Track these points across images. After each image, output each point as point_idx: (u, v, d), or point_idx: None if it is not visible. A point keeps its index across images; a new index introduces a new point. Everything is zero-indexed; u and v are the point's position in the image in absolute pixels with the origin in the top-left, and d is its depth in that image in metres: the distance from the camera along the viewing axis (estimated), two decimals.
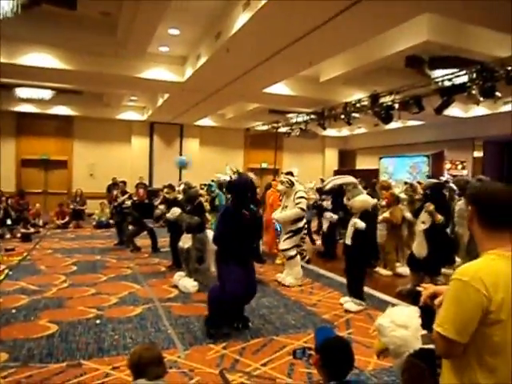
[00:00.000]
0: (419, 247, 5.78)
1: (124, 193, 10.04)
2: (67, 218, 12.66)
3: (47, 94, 12.62)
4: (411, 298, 1.70)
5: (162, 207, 7.78)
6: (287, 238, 6.62)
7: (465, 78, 7.38)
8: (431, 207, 5.59)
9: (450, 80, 7.66)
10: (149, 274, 7.01)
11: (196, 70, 8.60)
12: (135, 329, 4.51)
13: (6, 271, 6.80)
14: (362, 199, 5.39)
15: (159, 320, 4.80)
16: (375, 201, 5.56)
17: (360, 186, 5.65)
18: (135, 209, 9.16)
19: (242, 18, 6.06)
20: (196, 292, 5.88)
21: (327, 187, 5.92)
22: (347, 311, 5.25)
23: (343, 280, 6.71)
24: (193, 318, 4.88)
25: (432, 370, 2.43)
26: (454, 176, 12.97)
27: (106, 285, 6.28)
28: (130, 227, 9.29)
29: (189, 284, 5.94)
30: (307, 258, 8.11)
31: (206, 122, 16.16)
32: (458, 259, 6.31)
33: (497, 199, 1.52)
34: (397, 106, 9.00)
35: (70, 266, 7.48)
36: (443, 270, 5.91)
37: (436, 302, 1.60)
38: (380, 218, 7.23)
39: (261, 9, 5.50)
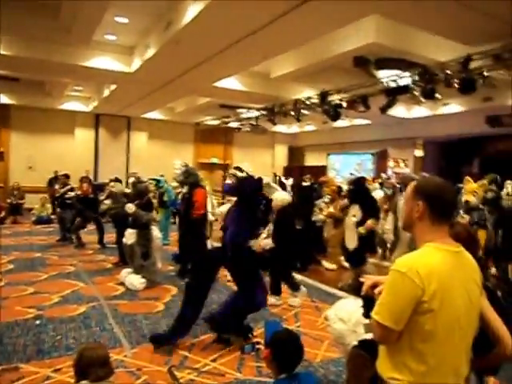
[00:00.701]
0: (350, 240, 5.97)
1: (65, 186, 9.58)
2: (3, 213, 11.88)
3: None
4: (354, 291, 1.75)
5: (107, 202, 7.49)
6: None
7: (408, 80, 7.71)
8: (370, 224, 5.76)
9: (394, 81, 7.98)
10: (94, 271, 6.74)
11: (145, 61, 8.35)
12: (78, 328, 4.31)
13: None
14: (282, 197, 5.23)
15: (104, 319, 4.63)
16: (289, 198, 5.45)
17: (274, 184, 5.58)
18: (79, 203, 8.77)
19: (193, 9, 5.94)
20: (143, 289, 5.73)
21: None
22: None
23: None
24: (140, 315, 4.75)
25: (374, 359, 2.54)
26: (397, 173, 13.59)
27: (46, 283, 5.95)
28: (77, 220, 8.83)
29: (136, 281, 5.78)
30: None
31: (155, 115, 15.79)
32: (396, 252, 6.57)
33: (444, 194, 1.60)
34: (345, 104, 9.25)
35: (5, 264, 7.02)
36: (370, 260, 6.37)
37: (376, 291, 1.66)
38: (324, 213, 7.44)
39: (213, 0, 5.42)
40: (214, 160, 17.73)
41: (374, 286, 1.69)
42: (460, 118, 11.82)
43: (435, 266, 1.49)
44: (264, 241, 6.10)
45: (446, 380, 1.52)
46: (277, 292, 5.37)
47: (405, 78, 7.80)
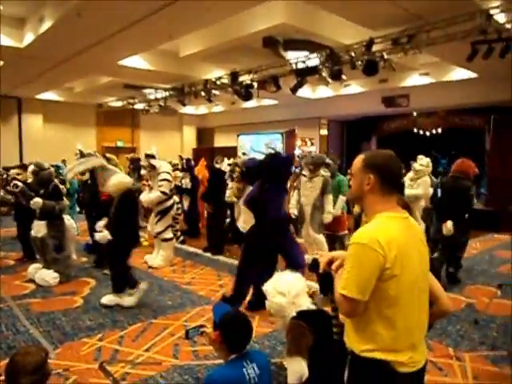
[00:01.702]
0: (245, 222, 5.54)
1: None
2: None
3: None
4: (311, 268, 1.78)
5: (9, 197, 6.69)
6: (158, 221, 6.41)
7: (316, 61, 7.99)
8: None
9: (303, 62, 8.20)
10: None
11: (39, 35, 7.52)
12: None
13: None
14: (117, 181, 4.56)
15: (16, 321, 4.21)
16: (130, 180, 4.82)
17: (111, 166, 4.96)
18: None
19: None
20: (58, 284, 5.31)
21: (69, 176, 5.17)
22: (221, 283, 5.38)
23: (213, 256, 6.88)
24: (58, 312, 4.41)
25: (312, 328, 2.67)
26: (304, 153, 14.18)
27: None
28: None
29: (48, 276, 5.32)
30: (181, 238, 8.05)
31: (51, 95, 14.41)
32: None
33: (393, 166, 1.69)
34: (255, 84, 9.32)
35: None
36: None
37: (333, 266, 1.71)
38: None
39: None
40: (120, 144, 16.84)
41: (331, 262, 1.74)
42: (359, 98, 12.61)
43: (392, 234, 1.58)
44: None
45: (414, 339, 1.62)
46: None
47: (313, 59, 8.06)
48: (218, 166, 11.59)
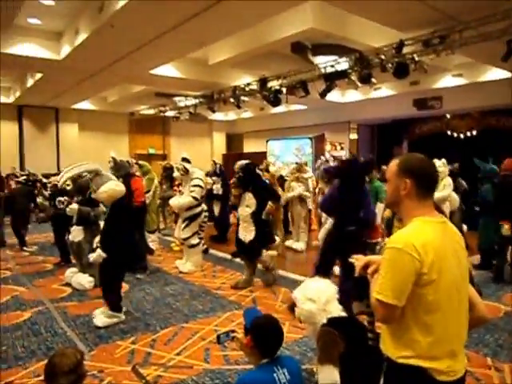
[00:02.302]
0: (245, 231, 5.49)
1: None
2: None
3: None
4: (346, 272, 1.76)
5: (62, 199, 6.84)
6: (186, 226, 6.47)
7: (345, 65, 7.93)
8: (269, 207, 5.58)
9: (332, 66, 8.16)
10: (34, 273, 6.30)
11: (75, 47, 7.83)
12: (27, 336, 4.03)
13: None
14: (107, 188, 4.24)
15: (54, 323, 4.36)
16: (122, 188, 4.39)
17: (105, 172, 4.59)
18: (6, 203, 8.14)
19: None
20: (92, 288, 5.45)
21: (60, 183, 4.85)
22: (251, 289, 5.39)
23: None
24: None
25: (343, 335, 2.63)
26: (335, 156, 14.06)
27: None
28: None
29: (84, 280, 5.48)
30: (205, 246, 8.12)
31: (86, 105, 14.93)
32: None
33: (429, 170, 1.66)
34: (284, 90, 9.33)
35: None
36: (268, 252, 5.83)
37: (369, 271, 1.69)
38: None
39: None
40: (152, 151, 17.21)
41: (366, 266, 1.72)
42: (390, 101, 12.41)
43: (428, 238, 1.54)
44: None
45: (453, 346, 1.58)
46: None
47: (342, 63, 8.01)
48: None
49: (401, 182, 1.64)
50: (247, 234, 5.46)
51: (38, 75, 10.45)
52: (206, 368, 3.38)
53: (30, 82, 11.30)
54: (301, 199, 7.77)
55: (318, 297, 2.77)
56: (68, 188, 6.22)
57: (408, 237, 1.54)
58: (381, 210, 6.21)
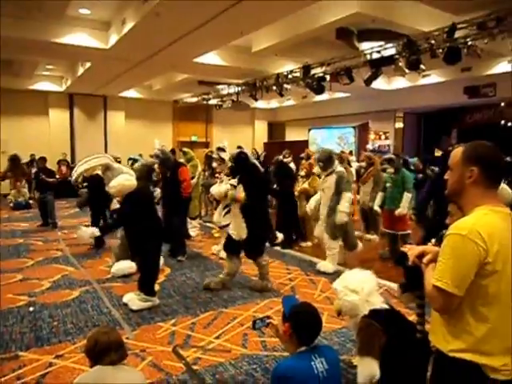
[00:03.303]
0: (238, 229, 4.91)
1: (44, 169, 9.21)
2: None
3: None
4: (396, 261, 1.69)
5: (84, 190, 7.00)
6: (226, 213, 6.50)
7: (392, 51, 7.66)
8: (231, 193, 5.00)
9: (378, 52, 7.91)
10: (82, 254, 6.60)
11: (122, 37, 8.02)
12: (75, 313, 4.23)
13: None
14: (117, 183, 4.17)
15: (100, 302, 4.55)
16: (133, 182, 4.28)
17: (117, 165, 4.51)
18: (57, 187, 8.55)
19: None
20: (136, 271, 5.63)
21: (74, 176, 4.84)
22: (290, 277, 5.39)
23: (283, 250, 6.88)
24: None
25: (384, 327, 2.57)
26: (379, 146, 13.72)
27: (34, 269, 5.81)
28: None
29: (124, 265, 5.49)
30: None
31: (132, 93, 15.34)
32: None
33: (497, 158, 1.59)
34: (328, 77, 9.16)
35: None
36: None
37: (424, 260, 1.63)
38: (298, 188, 7.37)
39: None
40: (194, 138, 17.47)
41: (420, 255, 1.66)
42: (439, 88, 11.90)
43: (495, 227, 1.48)
44: None
45: (509, 343, 1.49)
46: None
47: (389, 49, 7.74)
48: (285, 160, 11.56)
49: (466, 170, 1.57)
50: (240, 231, 4.88)
51: (88, 64, 10.81)
52: (243, 353, 3.43)
53: (80, 71, 11.72)
54: None
55: (361, 288, 2.73)
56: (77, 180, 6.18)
57: (473, 224, 1.48)
58: (407, 200, 6.05)
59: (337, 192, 5.59)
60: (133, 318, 4.11)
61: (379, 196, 6.57)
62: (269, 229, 5.31)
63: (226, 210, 6.49)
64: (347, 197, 5.57)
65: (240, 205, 4.89)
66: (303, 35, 8.46)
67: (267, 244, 5.87)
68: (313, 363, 2.08)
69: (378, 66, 8.02)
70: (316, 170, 6.01)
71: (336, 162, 5.83)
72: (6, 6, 7.44)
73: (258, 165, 5.20)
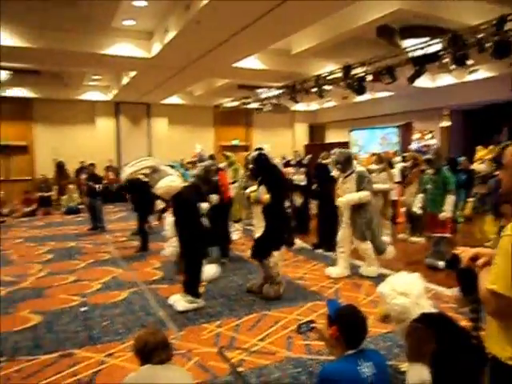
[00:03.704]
0: (256, 228, 4.96)
1: (93, 176, 9.63)
2: (34, 206, 12.14)
3: (2, 76, 11.86)
4: (448, 264, 1.65)
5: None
6: None
7: (437, 47, 7.41)
8: (253, 195, 4.92)
9: (422, 49, 7.67)
10: (129, 257, 6.83)
11: (164, 45, 8.25)
12: (124, 314, 4.39)
13: None
14: (164, 184, 4.32)
15: (147, 303, 4.69)
16: (179, 183, 4.44)
17: (163, 167, 4.59)
18: (105, 192, 8.90)
19: None
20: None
21: (123, 178, 4.90)
22: (333, 280, 5.32)
23: (325, 253, 6.80)
24: None
25: (435, 332, 2.48)
26: (425, 146, 13.30)
27: (85, 271, 6.07)
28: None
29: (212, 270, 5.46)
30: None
31: (174, 100, 15.72)
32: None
33: None
34: (370, 77, 8.99)
35: (44, 254, 7.19)
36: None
37: (479, 263, 1.57)
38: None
39: None
40: (235, 142, 17.65)
41: (474, 258, 1.60)
42: (488, 84, 11.36)
43: None
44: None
45: None
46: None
47: (433, 46, 7.49)
48: (324, 162, 11.40)
49: None
50: (257, 230, 4.90)
51: (132, 73, 11.20)
52: (288, 356, 3.42)
53: (125, 80, 12.16)
54: (384, 192, 7.44)
55: (410, 290, 2.65)
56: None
57: None
58: (451, 203, 5.76)
59: (358, 191, 5.46)
60: (179, 319, 4.20)
61: (418, 198, 6.31)
62: (284, 231, 5.08)
63: None
64: (363, 193, 5.42)
65: (262, 206, 4.83)
66: (343, 35, 8.38)
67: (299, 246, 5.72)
68: (359, 367, 2.05)
69: (422, 63, 7.76)
70: (335, 172, 5.85)
71: (354, 162, 5.72)
72: (56, 19, 7.88)
73: (278, 166, 5.21)
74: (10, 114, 14.62)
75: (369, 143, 15.21)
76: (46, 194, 12.68)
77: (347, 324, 2.09)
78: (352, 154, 5.74)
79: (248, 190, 5.74)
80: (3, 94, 13.78)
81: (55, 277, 5.78)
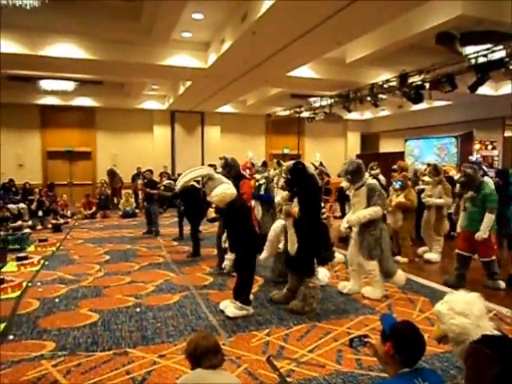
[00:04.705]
0: (290, 242, 4.77)
1: (150, 181, 10.03)
2: (94, 209, 12.80)
3: (70, 86, 12.70)
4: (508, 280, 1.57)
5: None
6: None
7: (502, 54, 7.06)
8: (286, 207, 4.82)
9: (485, 56, 7.34)
10: (181, 261, 7.01)
11: (220, 56, 8.48)
12: (176, 316, 4.50)
13: (42, 261, 6.89)
14: (219, 192, 4.35)
15: (198, 307, 4.78)
16: (233, 191, 4.44)
17: (218, 175, 4.61)
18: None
19: None
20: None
21: (178, 187, 4.84)
22: (386, 294, 5.16)
23: None
24: None
25: (497, 355, 2.33)
26: (484, 157, 12.65)
27: (140, 273, 6.29)
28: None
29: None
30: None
31: (227, 108, 16.06)
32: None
33: None
34: (427, 85, 8.72)
35: (102, 255, 7.54)
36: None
37: None
38: (393, 203, 6.97)
39: None
40: (286, 151, 17.69)
41: None
42: None
43: None
44: None
45: None
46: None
47: (498, 52, 7.14)
48: (372, 172, 11.13)
49: None
50: (292, 244, 4.72)
51: (188, 83, 11.57)
52: (337, 369, 3.35)
53: (181, 90, 12.59)
54: (436, 206, 7.09)
55: (471, 310, 2.51)
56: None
57: None
58: (489, 223, 5.26)
59: (368, 206, 5.03)
60: (228, 325, 4.24)
61: (461, 217, 5.79)
62: (321, 246, 4.72)
63: None
64: (373, 209, 4.95)
65: (293, 219, 4.69)
66: (400, 43, 8.20)
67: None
68: None
69: (485, 70, 7.43)
70: (344, 184, 5.44)
71: (366, 174, 5.29)
72: (120, 32, 8.33)
73: (316, 176, 4.95)
74: (77, 122, 15.65)
75: (425, 153, 14.68)
76: (103, 198, 13.32)
77: (403, 341, 2.01)
78: (361, 164, 5.21)
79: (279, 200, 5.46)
80: (70, 104, 14.75)
81: (112, 277, 6.04)
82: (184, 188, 5.62)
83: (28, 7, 5.70)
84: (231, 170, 5.90)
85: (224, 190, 4.38)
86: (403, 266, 6.66)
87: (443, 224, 7.20)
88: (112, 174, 14.46)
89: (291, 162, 4.85)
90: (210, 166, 7.13)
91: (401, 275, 5.18)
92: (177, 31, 8.40)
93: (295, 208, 4.68)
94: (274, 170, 7.13)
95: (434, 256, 7.01)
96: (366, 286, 5.25)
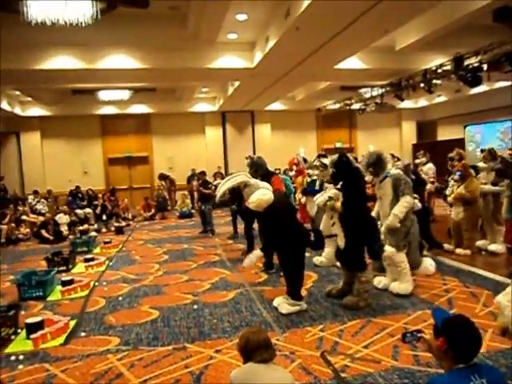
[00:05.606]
0: (339, 237, 4.81)
1: (204, 182, 10.33)
2: (153, 211, 13.35)
3: (125, 95, 13.32)
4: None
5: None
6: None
7: None
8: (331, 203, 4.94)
9: None
10: (236, 259, 7.14)
11: (265, 54, 8.50)
12: (231, 313, 4.61)
13: (107, 262, 7.32)
14: (255, 198, 4.35)
15: (253, 304, 4.87)
16: (270, 196, 4.41)
17: (253, 181, 4.58)
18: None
19: None
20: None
21: (219, 195, 4.80)
22: (446, 288, 4.95)
23: (437, 258, 6.37)
24: None
25: None
26: None
27: (197, 271, 6.51)
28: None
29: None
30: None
31: (277, 106, 16.07)
32: None
33: None
34: (485, 66, 8.22)
35: (161, 255, 7.88)
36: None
37: None
38: (453, 195, 6.64)
39: None
40: (339, 144, 17.40)
41: None
42: None
43: None
44: None
45: None
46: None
47: None
48: (418, 161, 10.64)
49: None
50: (340, 240, 4.79)
51: (236, 83, 11.73)
52: (394, 365, 3.29)
53: (230, 91, 12.79)
54: (494, 194, 6.67)
55: None
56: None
57: None
58: None
59: (396, 198, 4.84)
60: (282, 321, 4.29)
61: (504, 207, 5.51)
62: (369, 240, 4.62)
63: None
64: (405, 201, 4.78)
65: (339, 213, 4.73)
66: (452, 24, 7.78)
67: None
68: (472, 383, 1.89)
69: None
70: (367, 178, 5.26)
71: (389, 164, 5.09)
72: (169, 40, 8.63)
73: (361, 169, 4.87)
74: (134, 129, 16.42)
75: (487, 139, 13.84)
76: (161, 200, 13.84)
77: (456, 336, 1.94)
78: (383, 154, 5.05)
79: (325, 196, 5.60)
80: (127, 111, 15.48)
81: (171, 276, 6.30)
82: (232, 189, 5.71)
83: (83, 25, 6.06)
84: (258, 169, 5.92)
85: (260, 196, 4.39)
86: (465, 259, 6.38)
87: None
88: (162, 177, 14.93)
89: (336, 156, 4.82)
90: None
91: (427, 266, 5.34)
92: (222, 33, 8.54)
93: (338, 203, 4.72)
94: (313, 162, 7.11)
95: (498, 247, 6.61)
96: (392, 282, 5.05)
